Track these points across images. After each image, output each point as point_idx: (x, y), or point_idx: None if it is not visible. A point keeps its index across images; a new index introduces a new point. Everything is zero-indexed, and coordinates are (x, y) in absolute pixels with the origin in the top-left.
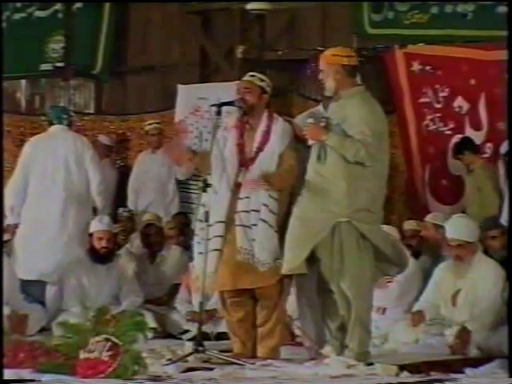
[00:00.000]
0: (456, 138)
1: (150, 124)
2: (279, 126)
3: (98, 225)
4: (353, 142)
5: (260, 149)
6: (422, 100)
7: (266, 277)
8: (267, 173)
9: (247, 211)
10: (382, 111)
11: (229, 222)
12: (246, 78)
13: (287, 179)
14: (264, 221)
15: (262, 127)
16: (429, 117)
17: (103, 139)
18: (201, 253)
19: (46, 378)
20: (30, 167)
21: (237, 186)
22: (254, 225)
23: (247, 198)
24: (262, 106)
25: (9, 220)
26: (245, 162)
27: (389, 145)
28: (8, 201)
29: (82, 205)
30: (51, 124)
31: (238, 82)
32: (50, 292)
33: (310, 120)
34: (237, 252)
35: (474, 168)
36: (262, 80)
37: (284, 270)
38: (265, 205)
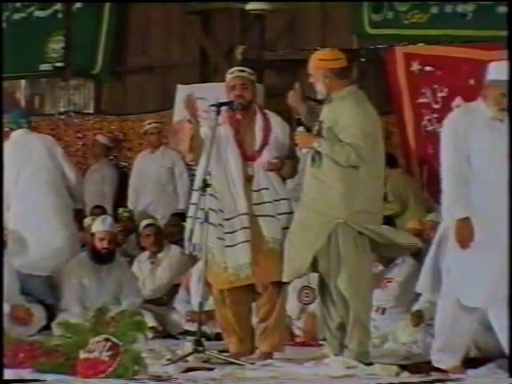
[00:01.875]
0: None
1: (149, 123)
2: (277, 120)
3: (100, 225)
4: (343, 146)
5: (265, 142)
6: (421, 100)
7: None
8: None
9: (270, 202)
10: (374, 111)
11: (251, 215)
12: (237, 73)
13: (290, 171)
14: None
15: (259, 122)
16: (426, 117)
17: (101, 139)
18: (228, 246)
19: (45, 378)
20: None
21: (247, 180)
22: (283, 213)
23: (265, 189)
24: (253, 102)
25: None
26: (250, 157)
27: (383, 144)
28: None
29: (64, 196)
30: (12, 130)
31: (229, 80)
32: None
33: (301, 128)
34: (264, 242)
35: None
36: (251, 73)
37: (285, 278)
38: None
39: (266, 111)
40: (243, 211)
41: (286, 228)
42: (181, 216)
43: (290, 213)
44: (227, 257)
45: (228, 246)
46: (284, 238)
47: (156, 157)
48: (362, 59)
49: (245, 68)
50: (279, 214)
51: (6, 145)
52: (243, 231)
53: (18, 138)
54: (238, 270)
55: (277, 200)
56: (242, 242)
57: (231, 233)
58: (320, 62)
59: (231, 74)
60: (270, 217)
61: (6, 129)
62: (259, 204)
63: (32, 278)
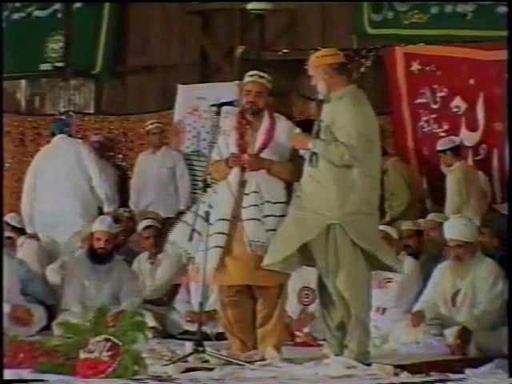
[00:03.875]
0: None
1: (151, 123)
2: (284, 124)
3: (99, 225)
4: (337, 146)
5: (264, 145)
6: (419, 101)
7: (277, 275)
8: (270, 159)
9: (256, 205)
10: (371, 111)
11: (234, 220)
12: (256, 78)
13: (289, 173)
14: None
15: (264, 126)
16: (424, 118)
17: (96, 138)
18: (202, 250)
19: (45, 378)
20: (38, 172)
21: (241, 185)
22: (268, 216)
23: (255, 192)
24: (265, 107)
25: (29, 230)
26: None
27: (380, 144)
28: (25, 213)
29: (88, 200)
30: (54, 134)
31: (247, 82)
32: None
33: (297, 130)
34: (246, 246)
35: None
36: (269, 81)
37: (264, 263)
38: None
39: (277, 115)
40: (225, 216)
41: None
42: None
43: (283, 216)
44: (198, 259)
45: (203, 250)
46: (268, 242)
47: (157, 157)
48: (363, 60)
49: (265, 74)
50: (266, 216)
51: (45, 147)
52: (218, 236)
53: (55, 142)
54: (203, 275)
55: (263, 203)
56: (215, 247)
57: (208, 235)
58: (317, 59)
59: (250, 77)
60: (255, 220)
61: (50, 131)
62: (247, 207)
63: (32, 279)
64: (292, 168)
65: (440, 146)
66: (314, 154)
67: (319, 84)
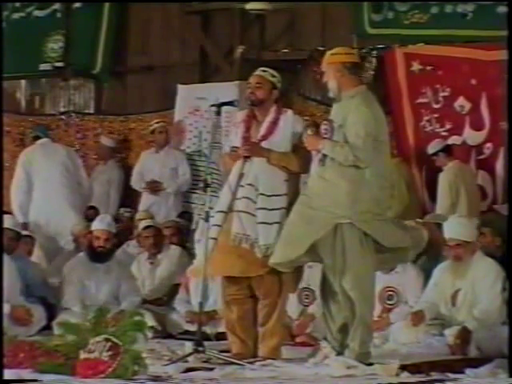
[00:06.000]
0: (452, 140)
1: (157, 122)
2: (289, 117)
3: (98, 224)
4: (342, 147)
5: (265, 137)
6: (420, 100)
7: (257, 266)
8: (270, 148)
9: (248, 197)
10: (381, 112)
11: (229, 212)
12: (258, 72)
13: (290, 161)
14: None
15: (268, 119)
16: (426, 117)
17: (106, 141)
18: (200, 243)
19: (45, 378)
20: (32, 171)
21: (240, 177)
22: (260, 208)
23: (250, 185)
24: (271, 101)
25: (19, 219)
26: None
27: (389, 145)
28: (15, 200)
29: (76, 191)
30: (37, 138)
31: (251, 76)
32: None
33: (310, 131)
34: (230, 238)
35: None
36: (274, 76)
37: (274, 259)
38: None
39: (285, 110)
40: (221, 208)
41: (275, 223)
42: (183, 215)
43: (278, 209)
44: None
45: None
46: (255, 235)
47: (160, 156)
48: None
49: (268, 69)
50: (259, 209)
51: (35, 146)
52: (213, 228)
53: (44, 143)
54: (204, 271)
55: (257, 196)
56: (210, 239)
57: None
58: (332, 56)
59: (254, 73)
60: (244, 212)
61: (32, 136)
62: (241, 199)
63: (33, 276)
64: (293, 157)
65: (430, 149)
66: (325, 154)
67: (330, 82)
